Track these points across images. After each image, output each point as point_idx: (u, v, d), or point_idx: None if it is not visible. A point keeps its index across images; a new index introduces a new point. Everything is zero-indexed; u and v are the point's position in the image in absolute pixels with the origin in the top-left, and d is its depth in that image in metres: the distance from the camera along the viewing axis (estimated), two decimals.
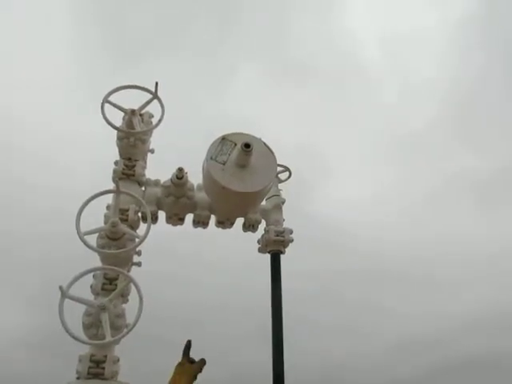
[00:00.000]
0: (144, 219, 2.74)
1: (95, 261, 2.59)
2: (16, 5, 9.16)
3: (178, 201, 2.82)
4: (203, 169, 2.66)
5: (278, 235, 2.95)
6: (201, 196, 2.87)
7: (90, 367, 2.36)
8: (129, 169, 2.84)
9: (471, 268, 9.41)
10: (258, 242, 3.08)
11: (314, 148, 9.79)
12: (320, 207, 8.46)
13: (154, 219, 2.83)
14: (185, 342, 2.27)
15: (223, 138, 2.62)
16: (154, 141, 3.04)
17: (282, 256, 2.97)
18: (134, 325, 2.31)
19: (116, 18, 10.01)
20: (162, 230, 2.90)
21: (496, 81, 10.51)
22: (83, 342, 2.32)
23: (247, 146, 2.51)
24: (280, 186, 3.22)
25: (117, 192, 2.59)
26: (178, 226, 2.99)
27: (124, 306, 2.56)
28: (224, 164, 2.54)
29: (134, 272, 2.68)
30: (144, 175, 2.90)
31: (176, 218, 2.92)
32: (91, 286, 2.55)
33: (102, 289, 2.51)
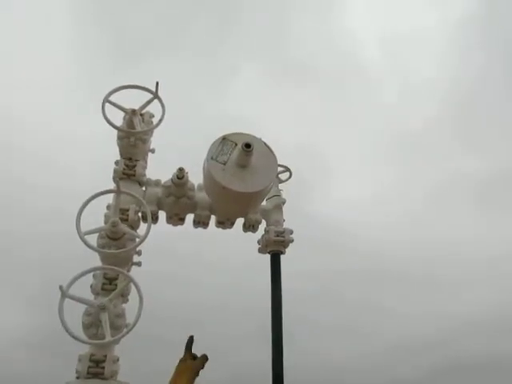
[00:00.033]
0: (144, 219, 2.74)
1: (95, 260, 2.59)
2: (16, 5, 9.16)
3: (178, 201, 2.82)
4: (204, 169, 2.66)
5: (278, 235, 2.95)
6: (201, 196, 2.87)
7: (89, 367, 2.36)
8: (129, 169, 2.84)
9: (471, 268, 9.42)
10: (258, 242, 3.08)
11: (314, 148, 9.79)
12: (320, 207, 8.47)
13: (155, 219, 2.83)
14: (187, 338, 2.26)
15: (224, 138, 2.62)
16: (155, 140, 3.04)
17: (281, 256, 2.97)
18: (134, 325, 2.31)
19: (116, 17, 10.01)
20: (162, 229, 2.90)
21: (496, 81, 10.52)
22: (83, 342, 2.32)
23: (248, 146, 2.50)
24: (280, 186, 3.22)
25: (117, 192, 2.58)
26: (179, 226, 2.99)
27: (124, 305, 2.57)
28: (225, 164, 2.54)
29: (134, 272, 2.68)
30: (144, 175, 2.90)
31: (176, 218, 2.92)
32: (91, 286, 2.55)
33: (102, 288, 2.51)
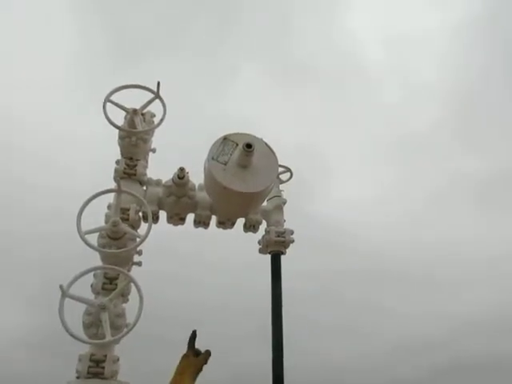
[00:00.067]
0: (145, 219, 2.74)
1: (95, 260, 2.59)
2: (16, 5, 9.16)
3: (179, 200, 2.82)
4: (205, 169, 2.65)
5: (278, 236, 2.94)
6: (202, 196, 2.87)
7: (89, 366, 2.36)
8: (130, 168, 2.84)
9: (471, 268, 9.42)
10: (259, 242, 3.08)
11: (314, 148, 9.80)
12: (320, 207, 8.47)
13: (155, 219, 2.83)
14: (190, 333, 2.21)
15: (225, 138, 2.61)
16: (156, 140, 3.04)
17: (282, 256, 2.97)
18: (134, 324, 2.31)
19: (116, 17, 10.02)
20: (162, 229, 2.89)
21: (497, 81, 10.52)
22: (83, 342, 2.32)
23: (249, 146, 2.50)
24: (281, 186, 3.22)
25: (118, 191, 2.58)
26: (179, 226, 2.99)
27: (124, 305, 2.56)
28: (225, 164, 2.54)
29: (135, 271, 2.68)
30: (145, 175, 2.90)
31: (177, 218, 2.92)
32: (91, 286, 2.55)
33: (103, 288, 2.51)
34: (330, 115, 10.27)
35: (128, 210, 2.66)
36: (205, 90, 9.54)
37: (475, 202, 10.42)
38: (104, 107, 2.78)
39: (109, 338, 2.28)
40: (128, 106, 2.88)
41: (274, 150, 2.69)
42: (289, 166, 3.29)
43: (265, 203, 3.00)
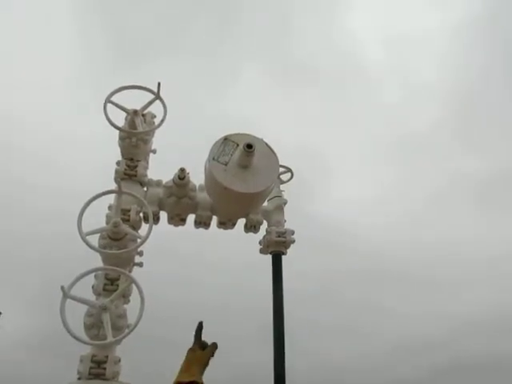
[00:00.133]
0: (146, 219, 2.74)
1: (96, 261, 2.59)
2: (16, 5, 9.17)
3: (179, 201, 2.82)
4: (205, 169, 2.65)
5: (279, 236, 2.94)
6: (203, 196, 2.86)
7: (91, 367, 2.35)
8: (131, 169, 2.83)
9: (471, 268, 9.43)
10: (260, 242, 3.07)
11: (314, 148, 9.80)
12: (320, 207, 8.48)
13: (156, 219, 2.82)
14: (197, 325, 2.15)
15: (225, 139, 2.61)
16: (156, 141, 3.03)
17: (282, 256, 2.96)
18: (136, 325, 2.30)
19: (116, 17, 10.02)
20: (163, 230, 2.89)
21: (497, 81, 10.53)
22: (84, 343, 2.31)
23: (249, 146, 2.50)
24: (282, 186, 3.21)
25: (119, 192, 2.58)
26: (180, 227, 2.98)
27: (125, 306, 2.56)
28: (226, 165, 2.53)
29: (136, 272, 2.68)
30: (146, 175, 2.89)
31: (178, 219, 2.92)
32: (93, 287, 2.55)
33: (104, 289, 2.51)
34: (330, 115, 10.30)
35: (129, 210, 2.66)
36: (205, 90, 9.55)
37: (475, 202, 10.43)
38: (105, 108, 2.77)
39: (110, 338, 2.28)
40: (128, 106, 2.88)
41: (275, 150, 2.69)
42: (289, 167, 3.29)
43: (265, 203, 2.99)
